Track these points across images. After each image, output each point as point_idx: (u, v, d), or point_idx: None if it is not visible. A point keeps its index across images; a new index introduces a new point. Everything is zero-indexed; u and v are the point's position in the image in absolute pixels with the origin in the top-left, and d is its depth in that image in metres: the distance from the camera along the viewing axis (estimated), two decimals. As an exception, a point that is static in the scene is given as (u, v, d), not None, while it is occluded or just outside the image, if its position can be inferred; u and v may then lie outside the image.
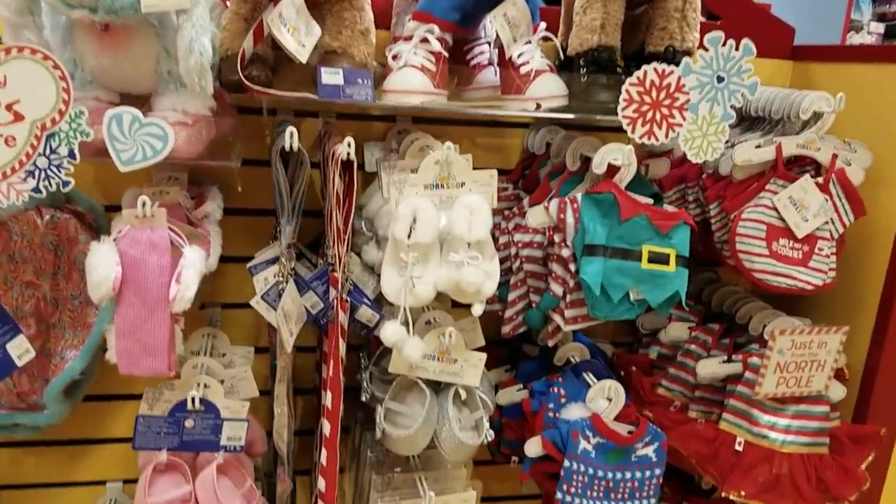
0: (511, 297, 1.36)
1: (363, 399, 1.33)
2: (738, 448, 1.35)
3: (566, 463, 1.28)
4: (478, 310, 1.20)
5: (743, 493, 1.33)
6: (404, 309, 1.15)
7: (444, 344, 1.25)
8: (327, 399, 1.24)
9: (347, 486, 1.56)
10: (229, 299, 1.47)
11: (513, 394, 1.43)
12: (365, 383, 1.34)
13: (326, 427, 1.25)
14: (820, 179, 1.28)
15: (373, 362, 1.38)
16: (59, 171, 1.03)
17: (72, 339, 1.33)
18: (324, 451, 1.25)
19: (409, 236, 1.11)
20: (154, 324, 1.09)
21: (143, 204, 1.04)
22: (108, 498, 1.49)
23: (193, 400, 1.15)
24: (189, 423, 1.16)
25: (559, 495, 1.29)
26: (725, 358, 1.39)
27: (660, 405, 1.46)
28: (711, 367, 1.39)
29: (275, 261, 1.22)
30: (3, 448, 1.47)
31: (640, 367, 1.51)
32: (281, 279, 1.17)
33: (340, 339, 1.23)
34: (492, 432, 1.29)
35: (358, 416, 1.49)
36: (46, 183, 1.04)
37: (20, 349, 1.21)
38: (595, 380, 1.35)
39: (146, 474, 1.16)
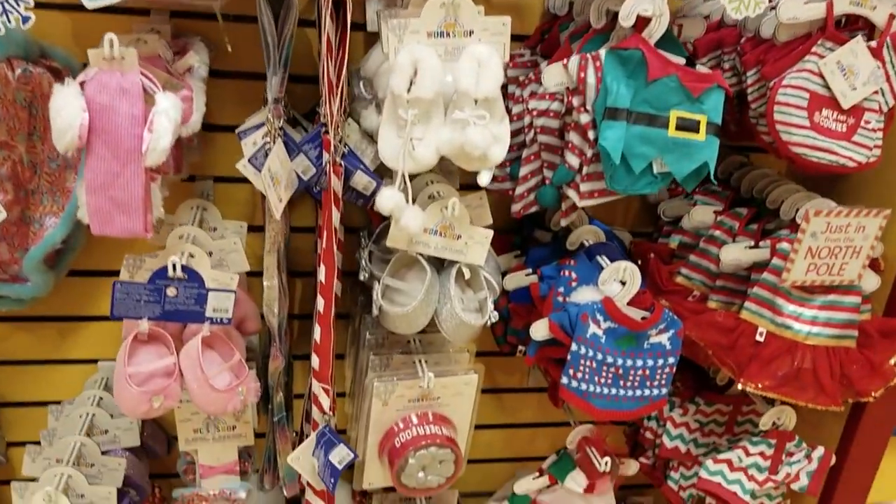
0: (523, 172, 1.25)
1: (361, 278, 1.25)
2: (759, 339, 1.27)
3: (573, 347, 1.20)
4: (484, 178, 1.10)
5: (761, 384, 1.25)
6: (403, 174, 1.05)
7: (447, 218, 1.15)
8: (321, 273, 1.16)
9: (347, 371, 1.50)
10: (222, 172, 1.38)
11: (521, 278, 1.35)
12: (364, 262, 1.26)
13: (320, 303, 1.17)
14: (873, 43, 1.14)
15: (372, 240, 1.29)
16: (18, 5, 0.92)
17: (51, 206, 1.25)
18: (317, 328, 1.18)
19: (408, 90, 0.99)
20: (127, 178, 1.00)
21: (111, 43, 0.93)
22: (99, 377, 1.44)
23: (175, 266, 1.07)
24: (171, 292, 1.09)
25: (564, 380, 1.22)
26: (752, 244, 1.29)
27: (677, 294, 1.37)
28: (736, 253, 1.29)
29: (264, 124, 1.11)
30: (-9, 322, 1.42)
31: (659, 255, 1.42)
32: (268, 139, 1.07)
33: (334, 209, 1.13)
34: (496, 313, 1.22)
35: (359, 301, 1.42)
36: (4, 18, 0.93)
37: (-8, 210, 1.14)
38: (609, 263, 1.25)
39: (126, 343, 1.09)
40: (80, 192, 1.02)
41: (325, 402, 1.22)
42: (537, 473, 1.48)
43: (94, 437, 1.33)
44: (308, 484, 1.29)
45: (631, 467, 1.49)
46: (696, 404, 1.52)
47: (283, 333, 1.25)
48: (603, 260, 1.28)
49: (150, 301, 1.09)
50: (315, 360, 1.20)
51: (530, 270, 1.35)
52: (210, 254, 1.20)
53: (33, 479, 1.26)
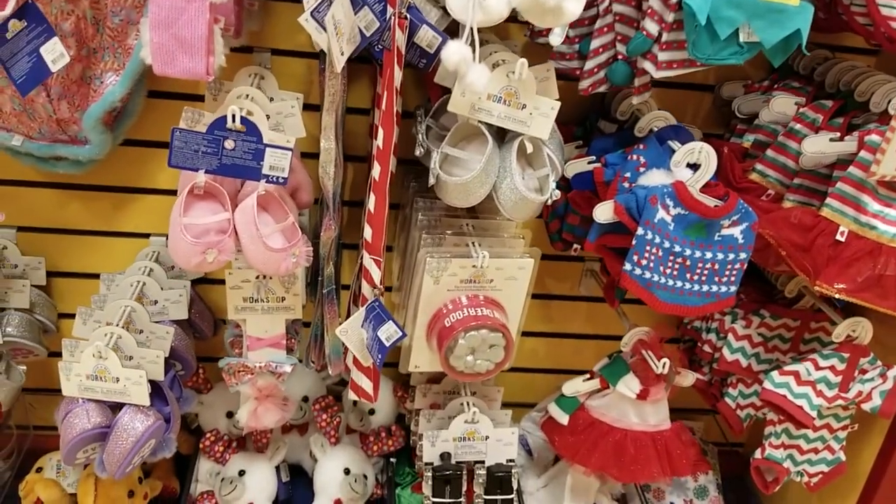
0: (594, 45, 1.18)
1: (417, 154, 1.20)
2: (840, 238, 1.18)
3: (640, 231, 1.14)
4: (556, 37, 1.04)
5: (838, 286, 1.17)
6: (471, 27, 0.99)
7: (513, 83, 1.09)
8: (379, 138, 1.12)
9: (395, 264, 1.47)
10: (280, 45, 1.34)
11: (582, 165, 1.28)
12: (420, 136, 1.21)
13: (376, 170, 1.13)
14: None
15: (430, 115, 1.24)
16: None
17: (112, 63, 1.23)
18: (371, 197, 1.15)
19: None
20: (191, 15, 0.97)
21: None
22: (151, 250, 1.44)
23: (234, 117, 1.04)
24: (229, 144, 1.06)
25: (627, 266, 1.16)
26: (837, 136, 1.20)
27: (751, 192, 1.29)
28: (820, 144, 1.20)
29: (327, -23, 1.06)
30: (47, 189, 1.42)
31: (733, 151, 1.33)
32: (332, -12, 1.02)
33: (396, 68, 1.08)
34: (557, 192, 1.16)
35: (411, 186, 1.38)
36: None
37: (54, 53, 1.12)
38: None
39: (183, 195, 1.07)
40: (143, 30, 0.99)
41: (376, 275, 1.18)
42: (588, 375, 1.43)
43: (144, 306, 1.33)
44: (354, 361, 1.26)
45: (688, 378, 1.43)
46: (760, 316, 1.44)
47: (337, 203, 1.22)
48: (675, 144, 1.20)
49: (208, 152, 1.06)
50: (367, 231, 1.16)
51: (593, 158, 1.29)
52: (268, 117, 1.17)
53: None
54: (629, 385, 1.39)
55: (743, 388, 1.50)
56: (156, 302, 1.36)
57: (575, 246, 1.45)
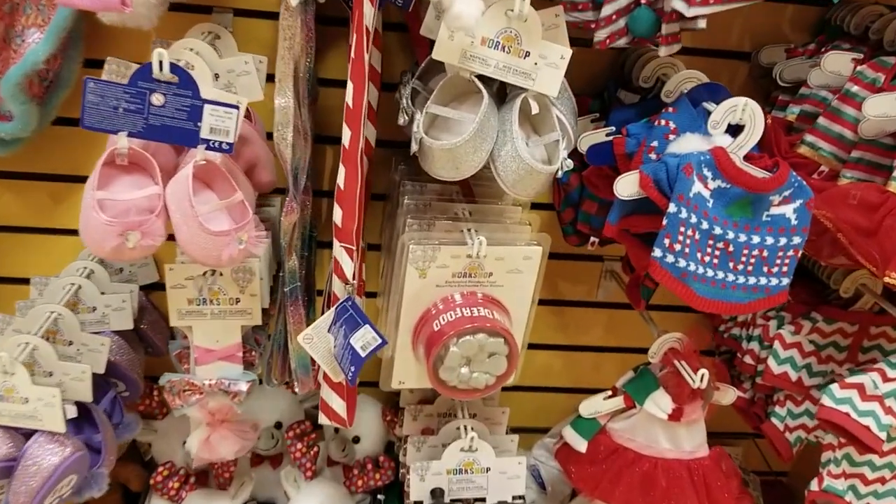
0: (611, -14, 0.98)
1: (400, 122, 0.99)
2: (915, 217, 0.96)
3: (671, 208, 0.92)
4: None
5: (916, 277, 0.95)
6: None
7: (514, 26, 0.89)
8: (348, 94, 0.91)
9: (382, 263, 1.26)
10: (245, 5, 1.15)
11: (599, 136, 1.07)
12: (405, 101, 1.00)
13: (346, 135, 0.93)
14: None
15: (416, 76, 1.04)
16: None
17: (35, 17, 1.04)
18: (342, 169, 0.94)
19: None
20: (102, -70, 0.77)
21: None
22: (94, 249, 1.23)
23: (161, 64, 0.83)
24: (157, 100, 0.85)
25: (657, 252, 0.94)
26: (907, 96, 0.99)
27: (800, 169, 1.07)
28: (885, 106, 0.98)
29: None
30: (-29, 178, 1.22)
31: (776, 122, 1.12)
32: None
33: (367, 4, 0.88)
34: (570, 162, 0.95)
35: (399, 169, 1.17)
36: None
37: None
38: (720, 108, 0.97)
39: (99, 164, 0.86)
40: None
41: (349, 267, 0.97)
42: (609, 392, 1.20)
43: (79, 315, 1.11)
44: (325, 377, 1.04)
45: (728, 394, 1.19)
46: (811, 321, 1.22)
47: (304, 182, 1.01)
48: (710, 106, 0.99)
49: (131, 110, 0.85)
50: (337, 213, 0.95)
51: (612, 129, 1.08)
52: (217, 76, 0.97)
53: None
54: (659, 403, 1.16)
55: (792, 406, 1.26)
56: (94, 309, 1.15)
57: (592, 240, 1.24)
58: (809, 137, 1.08)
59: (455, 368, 0.99)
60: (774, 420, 1.27)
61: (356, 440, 1.40)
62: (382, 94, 1.14)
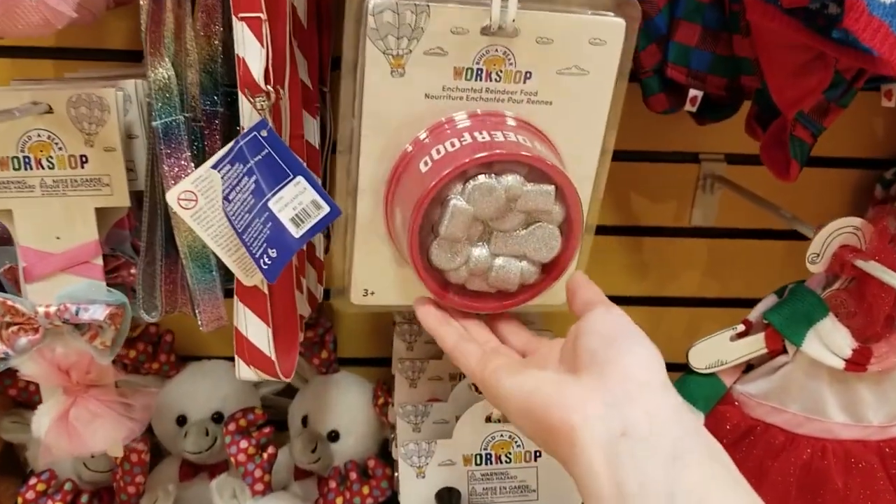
0: None
1: None
2: None
3: None
4: None
5: None
6: None
7: None
8: None
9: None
10: None
11: None
12: None
13: None
14: None
15: None
16: None
17: None
18: None
19: None
20: None
21: None
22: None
23: None
24: None
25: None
26: None
27: None
28: None
29: None
30: None
31: None
32: None
33: None
34: None
35: None
36: None
37: None
38: None
39: None
40: None
41: (255, 57, 0.51)
42: (740, 327, 0.70)
43: None
44: (238, 289, 0.58)
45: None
46: None
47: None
48: None
49: None
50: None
51: None
52: None
53: None
54: (829, 341, 0.66)
55: None
56: None
57: (693, 94, 0.76)
58: None
59: (460, 244, 0.52)
60: None
61: (333, 436, 0.93)
62: None
